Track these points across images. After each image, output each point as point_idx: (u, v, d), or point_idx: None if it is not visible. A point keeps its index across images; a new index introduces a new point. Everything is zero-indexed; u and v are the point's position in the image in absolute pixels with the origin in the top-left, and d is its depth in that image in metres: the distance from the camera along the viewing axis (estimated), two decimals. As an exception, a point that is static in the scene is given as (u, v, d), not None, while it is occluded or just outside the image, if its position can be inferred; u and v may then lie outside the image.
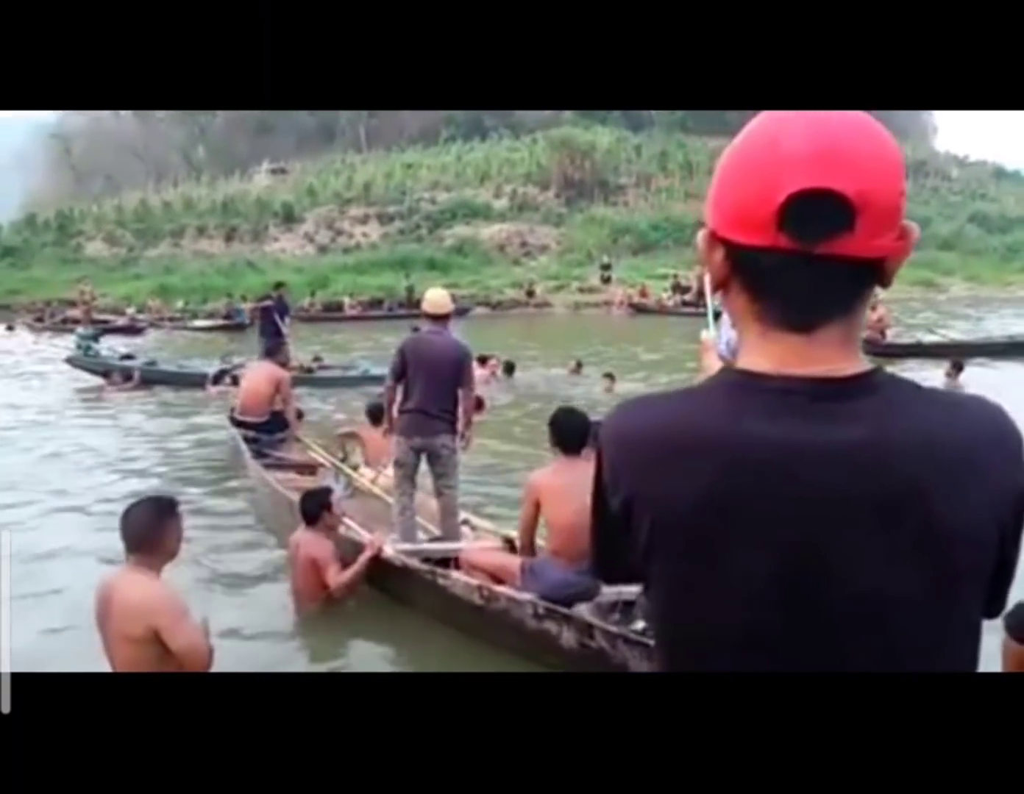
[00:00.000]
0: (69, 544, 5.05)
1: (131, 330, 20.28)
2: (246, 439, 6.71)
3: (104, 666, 2.75)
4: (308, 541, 4.21)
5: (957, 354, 12.60)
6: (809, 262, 0.76)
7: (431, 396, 4.50)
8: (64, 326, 19.67)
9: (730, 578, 0.79)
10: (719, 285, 0.85)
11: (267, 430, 6.90)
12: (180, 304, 24.35)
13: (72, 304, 23.12)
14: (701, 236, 0.84)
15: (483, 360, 11.52)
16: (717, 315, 1.03)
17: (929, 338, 14.46)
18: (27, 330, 20.67)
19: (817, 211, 0.74)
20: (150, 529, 2.75)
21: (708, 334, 1.05)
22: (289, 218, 33.06)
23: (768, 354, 0.80)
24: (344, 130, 48.69)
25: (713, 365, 0.98)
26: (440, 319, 4.64)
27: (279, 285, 13.30)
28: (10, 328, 20.68)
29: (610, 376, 9.98)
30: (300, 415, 7.56)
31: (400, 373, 4.59)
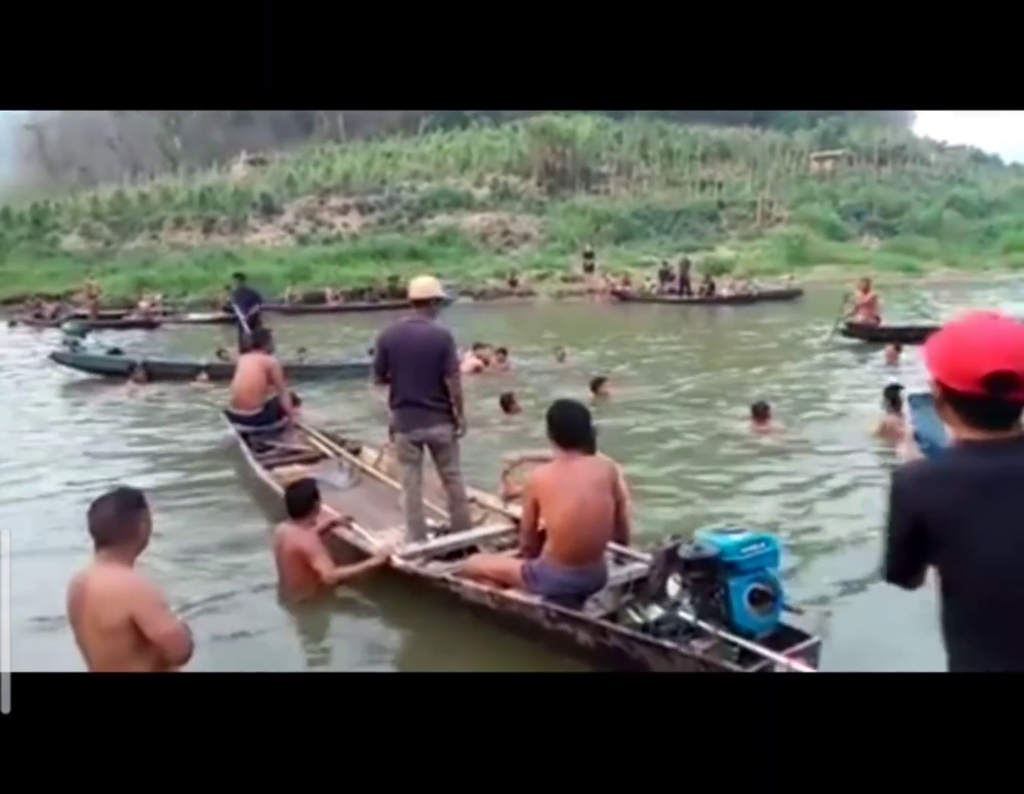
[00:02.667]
0: (55, 539, 4.98)
1: (146, 325, 19.78)
2: (244, 434, 6.66)
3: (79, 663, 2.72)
4: (293, 533, 4.19)
5: None
6: (996, 402, 1.49)
7: (420, 387, 4.43)
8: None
9: (982, 551, 1.47)
10: (939, 407, 1.57)
11: (263, 421, 6.86)
12: (158, 297, 24.02)
13: (56, 298, 22.82)
14: (930, 382, 1.59)
15: (478, 347, 11.16)
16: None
17: (923, 322, 14.54)
18: (27, 327, 19.91)
19: (1002, 381, 1.46)
20: (119, 522, 2.72)
21: (910, 448, 1.67)
22: (268, 209, 32.80)
23: (974, 435, 1.53)
24: (322, 120, 48.33)
25: (911, 451, 1.85)
26: (422, 305, 4.53)
27: (237, 276, 13.24)
28: (12, 324, 20.06)
29: (600, 380, 9.19)
30: (296, 401, 7.51)
31: (383, 367, 4.49)
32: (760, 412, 7.31)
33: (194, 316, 21.24)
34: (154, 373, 11.11)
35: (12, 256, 28.99)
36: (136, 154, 48.01)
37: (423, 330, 4.49)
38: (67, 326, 13.57)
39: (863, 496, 5.45)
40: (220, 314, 20.02)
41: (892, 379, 8.17)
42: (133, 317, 20.92)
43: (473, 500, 4.88)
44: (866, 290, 13.44)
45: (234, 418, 6.94)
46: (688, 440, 7.42)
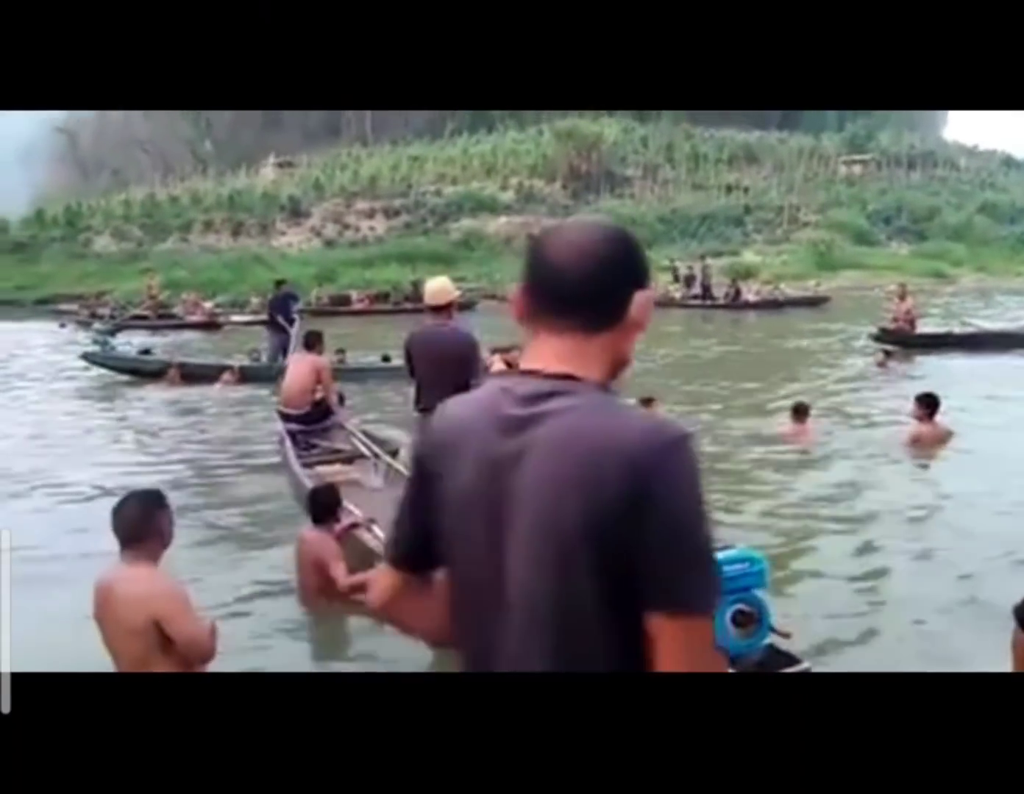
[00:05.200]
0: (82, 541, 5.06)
1: (209, 326, 18.84)
2: (292, 433, 6.79)
3: (106, 662, 2.76)
4: (313, 539, 4.19)
5: (987, 344, 12.33)
6: None
7: (441, 391, 4.40)
8: (132, 323, 17.98)
9: None
10: None
11: (311, 420, 6.99)
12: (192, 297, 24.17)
13: (80, 297, 22.86)
14: None
15: (505, 350, 11.03)
16: None
17: (961, 329, 14.15)
18: (80, 327, 18.45)
19: None
20: (143, 522, 2.78)
21: None
22: (296, 212, 33.08)
23: None
24: (350, 124, 48.65)
25: None
26: (440, 310, 4.47)
27: (279, 283, 13.62)
28: (62, 326, 19.48)
29: (648, 401, 8.69)
30: (342, 399, 7.61)
31: (412, 372, 4.52)
32: (800, 412, 7.26)
33: (237, 318, 20.20)
34: (186, 374, 11.27)
35: (45, 257, 29.50)
36: (167, 157, 48.64)
37: (446, 335, 4.44)
38: (97, 326, 13.75)
39: (894, 517, 5.34)
40: (263, 317, 19.64)
41: (890, 386, 7.96)
42: (196, 317, 19.85)
43: None
44: (903, 298, 12.98)
45: (285, 417, 7.12)
46: (731, 454, 7.18)
